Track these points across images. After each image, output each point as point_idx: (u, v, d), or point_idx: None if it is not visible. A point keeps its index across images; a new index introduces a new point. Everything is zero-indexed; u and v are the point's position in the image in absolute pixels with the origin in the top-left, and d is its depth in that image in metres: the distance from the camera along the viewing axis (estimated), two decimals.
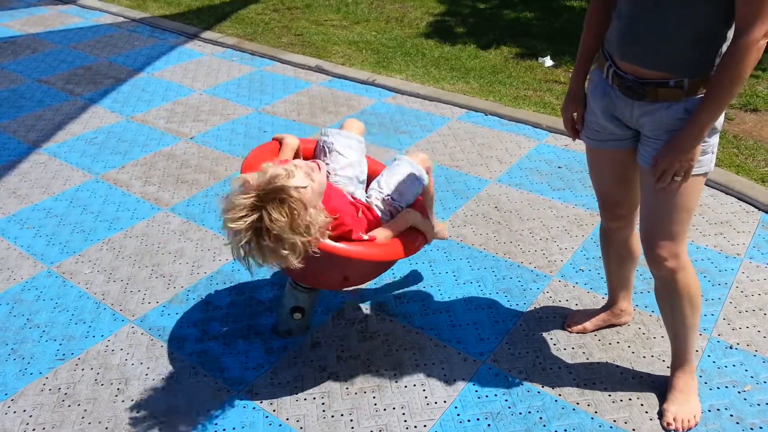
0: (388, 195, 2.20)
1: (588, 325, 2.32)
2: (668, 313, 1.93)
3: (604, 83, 1.79)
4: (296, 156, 2.26)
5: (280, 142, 2.28)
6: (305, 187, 1.77)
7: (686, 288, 1.85)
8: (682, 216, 1.76)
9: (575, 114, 1.97)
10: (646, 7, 1.59)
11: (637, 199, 1.96)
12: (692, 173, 1.68)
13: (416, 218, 2.18)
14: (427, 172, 2.30)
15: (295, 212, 1.72)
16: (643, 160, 1.77)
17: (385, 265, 2.21)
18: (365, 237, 2.00)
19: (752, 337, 2.27)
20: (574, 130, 2.00)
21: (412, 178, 2.24)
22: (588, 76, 1.90)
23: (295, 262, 1.74)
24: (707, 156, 1.70)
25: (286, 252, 1.73)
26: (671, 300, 1.89)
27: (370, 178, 2.37)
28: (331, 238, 1.89)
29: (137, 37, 5.70)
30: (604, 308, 2.34)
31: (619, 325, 2.34)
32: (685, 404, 1.98)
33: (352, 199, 2.14)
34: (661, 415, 1.99)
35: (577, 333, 2.32)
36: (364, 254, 1.97)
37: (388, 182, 2.23)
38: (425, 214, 2.27)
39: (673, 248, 1.79)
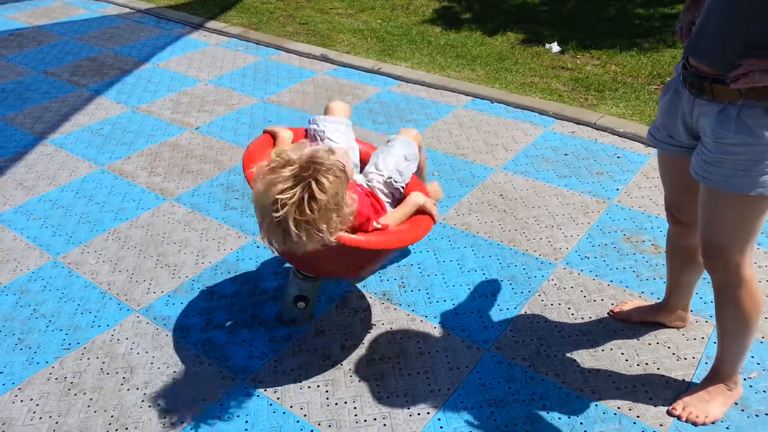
0: (389, 177, 2.20)
1: (634, 314, 2.27)
2: (717, 318, 1.85)
3: (676, 80, 1.72)
4: None
5: (273, 135, 2.27)
6: (346, 166, 1.75)
7: (735, 301, 1.76)
8: (742, 235, 1.66)
9: (691, 18, 1.81)
10: (716, 12, 1.53)
11: None
12: (752, 193, 1.55)
13: (423, 200, 2.15)
14: (419, 148, 2.33)
15: (339, 185, 1.68)
16: (693, 170, 1.68)
17: (397, 252, 2.20)
18: (378, 225, 1.97)
19: (759, 324, 2.24)
20: (684, 32, 1.81)
21: (409, 157, 2.25)
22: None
23: (331, 239, 1.70)
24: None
25: (323, 226, 1.66)
26: (719, 307, 1.81)
27: (363, 162, 2.36)
28: (349, 227, 1.81)
29: (142, 27, 5.70)
30: (657, 306, 2.26)
31: (670, 326, 2.25)
32: (704, 402, 1.91)
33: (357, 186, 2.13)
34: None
35: (621, 320, 2.28)
36: (385, 244, 1.94)
37: (386, 163, 2.23)
38: (425, 192, 2.25)
39: (725, 256, 1.69)
